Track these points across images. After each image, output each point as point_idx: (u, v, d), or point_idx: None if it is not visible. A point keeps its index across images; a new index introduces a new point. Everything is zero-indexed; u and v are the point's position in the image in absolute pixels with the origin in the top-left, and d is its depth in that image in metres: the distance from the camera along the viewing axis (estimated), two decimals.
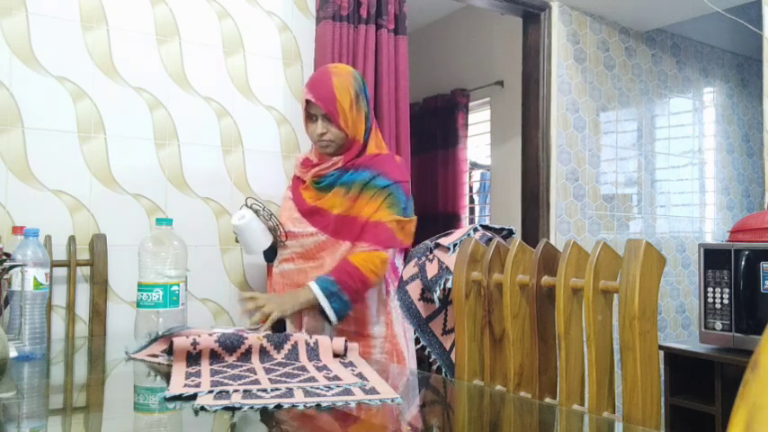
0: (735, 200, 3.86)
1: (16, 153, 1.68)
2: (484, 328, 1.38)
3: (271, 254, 1.78)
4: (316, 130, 1.67)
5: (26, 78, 1.70)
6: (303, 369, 1.15)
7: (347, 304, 1.55)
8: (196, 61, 1.96)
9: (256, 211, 1.68)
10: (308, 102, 1.67)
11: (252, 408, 0.92)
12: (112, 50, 1.82)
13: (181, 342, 1.18)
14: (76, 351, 1.51)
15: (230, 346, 1.21)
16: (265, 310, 1.49)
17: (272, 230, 1.71)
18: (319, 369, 1.16)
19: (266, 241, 1.70)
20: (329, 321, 1.56)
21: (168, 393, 0.97)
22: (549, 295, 1.24)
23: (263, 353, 1.23)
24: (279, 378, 1.08)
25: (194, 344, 1.19)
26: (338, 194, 1.66)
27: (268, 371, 1.13)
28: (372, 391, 1.01)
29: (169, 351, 1.24)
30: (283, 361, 1.21)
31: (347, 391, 1.01)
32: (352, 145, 1.69)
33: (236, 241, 1.78)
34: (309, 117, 1.69)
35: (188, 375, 1.08)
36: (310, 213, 1.69)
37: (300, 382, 1.06)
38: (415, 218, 1.68)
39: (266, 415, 0.92)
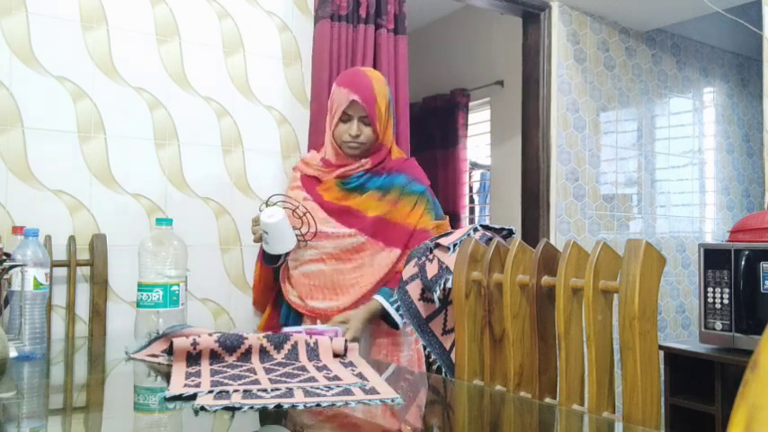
0: (735, 200, 3.86)
1: (16, 153, 1.68)
2: (484, 328, 1.38)
3: (272, 258, 1.76)
4: (349, 130, 1.68)
5: (26, 78, 1.70)
6: (303, 369, 1.15)
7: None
8: (196, 61, 1.96)
9: (286, 209, 1.66)
10: (351, 103, 1.67)
11: (252, 408, 0.92)
12: (112, 50, 1.82)
13: (180, 342, 1.18)
14: (76, 351, 1.51)
15: (230, 346, 1.21)
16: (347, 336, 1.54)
17: (299, 229, 1.68)
18: (319, 369, 1.16)
19: (293, 241, 1.68)
20: (395, 326, 1.66)
21: (168, 393, 0.97)
22: (549, 295, 1.24)
23: (263, 353, 1.23)
24: (279, 378, 1.08)
25: (194, 344, 1.19)
26: (373, 197, 1.69)
27: (268, 371, 1.13)
28: (372, 391, 1.01)
29: (169, 351, 1.24)
30: (283, 361, 1.21)
31: (347, 391, 1.01)
32: (380, 148, 1.74)
33: (257, 241, 1.72)
34: (344, 118, 1.69)
35: (188, 375, 1.08)
36: (340, 213, 1.69)
37: (300, 382, 1.06)
38: (447, 218, 1.80)
39: (266, 415, 0.92)
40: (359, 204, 1.69)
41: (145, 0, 1.88)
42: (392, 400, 0.97)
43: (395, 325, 1.66)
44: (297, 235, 1.69)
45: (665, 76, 3.44)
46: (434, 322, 1.61)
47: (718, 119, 3.80)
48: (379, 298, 1.66)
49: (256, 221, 1.69)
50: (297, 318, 1.77)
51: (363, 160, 1.71)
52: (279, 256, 1.76)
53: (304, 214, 1.66)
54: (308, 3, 2.16)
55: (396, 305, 1.60)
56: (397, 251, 1.69)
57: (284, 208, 1.66)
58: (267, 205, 1.67)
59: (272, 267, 1.84)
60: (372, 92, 1.69)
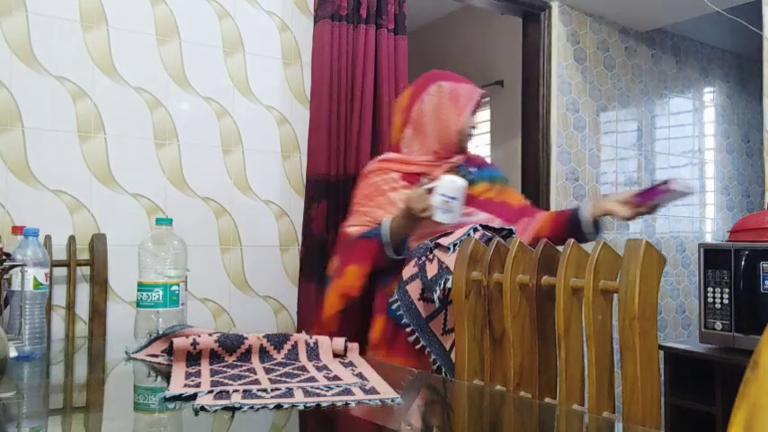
0: (735, 200, 3.86)
1: (16, 153, 1.68)
2: (484, 327, 1.38)
3: (401, 246, 1.68)
4: (473, 122, 1.83)
5: (26, 78, 1.70)
6: (303, 369, 1.15)
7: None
8: (196, 61, 1.96)
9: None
10: (479, 97, 1.83)
11: (252, 408, 0.92)
12: (112, 50, 1.82)
13: (180, 342, 1.18)
14: (76, 351, 1.51)
15: (230, 346, 1.21)
16: None
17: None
18: (319, 369, 1.16)
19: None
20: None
21: (168, 393, 0.97)
22: (549, 295, 1.24)
23: (263, 353, 1.23)
24: (279, 378, 1.08)
25: (194, 344, 1.19)
26: (485, 186, 1.84)
27: (268, 371, 1.13)
28: (372, 390, 1.01)
29: (169, 351, 1.24)
30: (283, 361, 1.21)
31: (347, 391, 1.01)
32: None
33: (427, 213, 1.58)
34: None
35: (188, 375, 1.08)
36: (471, 202, 1.76)
37: (300, 382, 1.06)
38: None
39: (266, 415, 0.92)
40: (476, 192, 1.79)
41: (145, 0, 1.88)
42: (392, 400, 0.97)
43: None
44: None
45: (665, 76, 3.44)
46: (434, 322, 1.61)
47: (718, 119, 3.80)
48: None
49: (422, 196, 1.59)
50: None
51: (457, 156, 1.82)
52: (404, 246, 1.68)
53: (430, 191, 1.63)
54: (308, 3, 2.16)
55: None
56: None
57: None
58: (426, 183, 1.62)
59: (394, 259, 1.69)
60: None
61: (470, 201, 1.73)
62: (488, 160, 2.01)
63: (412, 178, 1.77)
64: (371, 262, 1.69)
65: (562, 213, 1.88)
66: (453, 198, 1.61)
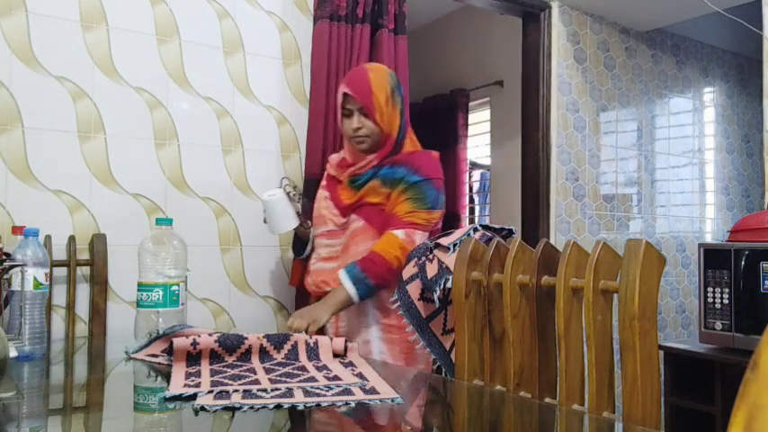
0: (735, 200, 3.86)
1: (16, 153, 1.68)
2: (484, 327, 1.38)
3: (300, 248, 1.85)
4: (351, 124, 1.69)
5: (26, 78, 1.70)
6: (303, 369, 1.15)
7: (372, 289, 1.62)
8: (196, 61, 1.96)
9: (288, 193, 1.75)
10: (344, 96, 1.69)
11: (252, 408, 0.92)
12: (112, 50, 1.82)
13: (180, 342, 1.18)
14: (76, 351, 1.51)
15: (230, 346, 1.21)
16: (298, 326, 1.48)
17: (298, 215, 1.77)
18: (319, 369, 1.16)
19: (291, 223, 1.76)
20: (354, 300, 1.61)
21: (168, 393, 0.97)
22: (549, 295, 1.24)
23: (263, 353, 1.23)
24: (279, 378, 1.08)
25: (194, 344, 1.19)
26: (374, 187, 1.70)
27: (268, 371, 1.13)
28: (372, 390, 1.01)
29: (169, 351, 1.24)
30: (283, 361, 1.21)
31: (347, 391, 1.01)
32: (386, 141, 1.71)
33: (265, 221, 1.80)
34: (345, 113, 1.71)
35: (188, 375, 1.08)
36: (349, 210, 1.72)
37: (300, 381, 1.06)
38: (439, 211, 1.72)
39: (266, 415, 0.92)
40: (361, 196, 1.71)
41: (145, 0, 1.88)
42: (392, 400, 0.97)
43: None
44: (300, 219, 1.77)
45: (665, 76, 3.44)
46: (434, 322, 1.61)
47: (718, 119, 3.80)
48: (341, 273, 1.62)
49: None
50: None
51: (371, 156, 1.71)
52: (304, 248, 1.85)
53: (299, 200, 1.76)
54: (307, 2, 2.16)
55: (359, 284, 1.60)
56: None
57: (287, 192, 1.75)
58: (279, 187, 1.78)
59: (301, 260, 1.91)
60: (366, 83, 1.68)
61: (351, 207, 1.72)
62: (417, 157, 1.74)
63: (331, 180, 1.83)
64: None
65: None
66: (264, 210, 1.77)
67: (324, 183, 1.86)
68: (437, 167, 1.75)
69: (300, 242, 1.89)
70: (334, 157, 1.86)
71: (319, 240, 1.79)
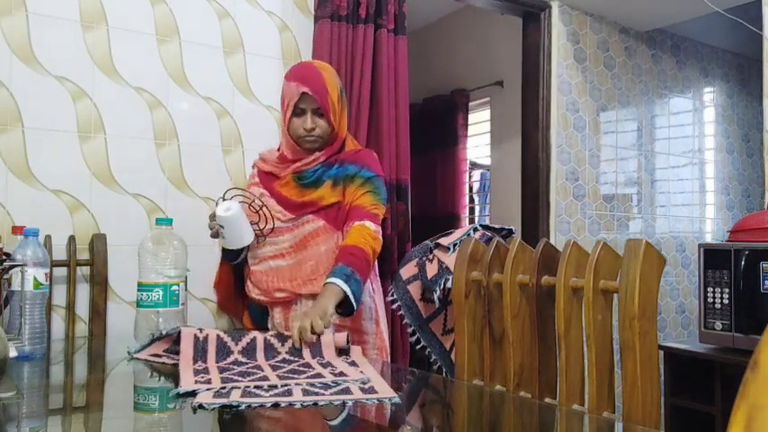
0: (735, 200, 3.86)
1: (16, 153, 1.68)
2: (484, 328, 1.38)
3: (234, 253, 1.70)
4: (304, 124, 1.63)
5: (26, 78, 1.70)
6: (308, 366, 1.16)
7: (361, 284, 1.50)
8: (196, 61, 1.96)
9: (242, 204, 1.61)
10: (301, 95, 1.63)
11: (249, 406, 0.92)
12: (112, 50, 1.82)
13: (187, 329, 1.22)
14: (76, 351, 1.51)
15: (236, 335, 1.24)
16: (306, 325, 1.32)
17: (256, 224, 1.63)
18: (324, 366, 1.16)
19: (251, 236, 1.63)
20: (349, 313, 1.48)
21: (182, 389, 0.98)
22: (548, 295, 1.24)
23: (269, 346, 1.24)
24: (286, 375, 1.09)
25: (200, 329, 1.23)
26: (327, 187, 1.65)
27: (274, 368, 1.14)
28: (371, 390, 1.01)
29: (172, 349, 1.25)
30: (288, 357, 1.22)
31: (345, 391, 1.01)
32: (335, 140, 1.68)
33: (215, 236, 1.64)
34: (296, 111, 1.65)
35: (197, 372, 1.09)
36: (300, 208, 1.65)
37: (308, 378, 1.07)
38: (385, 208, 1.69)
39: (266, 415, 0.92)
40: (314, 196, 1.65)
41: (145, 0, 1.88)
42: (390, 400, 0.97)
43: (350, 310, 1.48)
44: (255, 230, 1.64)
45: (665, 76, 3.44)
46: (435, 322, 1.61)
47: (718, 119, 3.80)
48: (337, 282, 1.46)
49: (212, 217, 1.62)
50: (263, 313, 1.72)
51: (317, 153, 1.66)
52: (239, 253, 1.70)
53: (261, 208, 1.62)
54: (308, 3, 2.16)
55: (350, 281, 1.46)
56: (340, 233, 1.64)
57: (241, 202, 1.61)
58: (224, 200, 1.61)
59: (231, 264, 1.76)
60: (323, 83, 1.64)
61: (305, 206, 1.65)
62: (364, 155, 1.72)
63: (265, 177, 1.73)
64: (221, 261, 1.77)
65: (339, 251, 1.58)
66: (222, 227, 1.58)
67: (255, 180, 1.76)
68: (380, 166, 1.76)
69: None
70: (267, 153, 1.77)
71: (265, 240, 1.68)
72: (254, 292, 1.69)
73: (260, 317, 1.72)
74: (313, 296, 1.56)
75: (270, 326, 1.66)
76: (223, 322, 1.97)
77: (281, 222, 1.65)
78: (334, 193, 1.64)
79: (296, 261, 1.64)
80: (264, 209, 1.63)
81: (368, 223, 1.57)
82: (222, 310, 1.94)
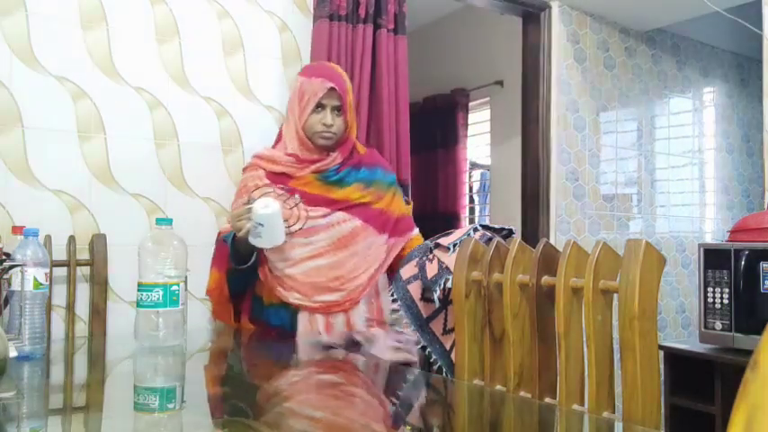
0: (735, 200, 3.86)
1: (16, 153, 1.68)
2: (484, 327, 1.38)
3: (241, 257, 1.63)
4: (323, 120, 1.66)
5: (26, 78, 1.70)
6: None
7: None
8: (196, 61, 1.96)
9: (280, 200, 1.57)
10: (328, 91, 1.67)
11: None
12: (112, 50, 1.82)
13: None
14: (76, 351, 1.51)
15: None
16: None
17: (286, 220, 1.58)
18: None
19: (283, 235, 1.57)
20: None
21: None
22: (549, 295, 1.24)
23: None
24: None
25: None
26: (356, 189, 1.72)
27: None
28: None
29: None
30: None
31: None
32: (347, 140, 1.74)
33: (244, 236, 1.54)
34: (316, 108, 1.67)
35: None
36: (330, 204, 1.67)
37: None
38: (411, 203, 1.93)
39: (265, 415, 0.92)
40: (346, 196, 1.69)
41: (145, 0, 1.88)
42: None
43: None
44: (285, 230, 1.59)
45: (665, 76, 3.44)
46: (435, 322, 1.61)
47: (718, 119, 3.80)
48: None
49: (240, 215, 1.54)
50: (290, 317, 1.66)
51: (333, 153, 1.70)
52: (250, 256, 1.62)
53: (296, 205, 1.60)
54: (307, 2, 2.16)
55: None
56: (385, 236, 1.75)
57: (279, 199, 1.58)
58: (251, 200, 1.56)
59: (238, 269, 1.64)
60: (345, 82, 1.74)
61: (334, 203, 1.66)
62: (380, 158, 1.90)
63: (276, 178, 1.70)
64: (226, 267, 1.70)
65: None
66: (261, 225, 1.52)
67: (264, 181, 1.70)
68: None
69: (239, 251, 1.63)
70: (270, 154, 1.74)
71: (294, 240, 1.63)
72: (291, 297, 1.63)
73: (287, 321, 1.65)
74: (350, 298, 1.66)
75: (300, 329, 1.63)
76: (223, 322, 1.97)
77: (312, 221, 1.64)
78: (365, 194, 1.73)
79: (337, 259, 1.65)
80: (300, 205, 1.62)
81: (417, 231, 1.85)
82: (218, 317, 1.84)
